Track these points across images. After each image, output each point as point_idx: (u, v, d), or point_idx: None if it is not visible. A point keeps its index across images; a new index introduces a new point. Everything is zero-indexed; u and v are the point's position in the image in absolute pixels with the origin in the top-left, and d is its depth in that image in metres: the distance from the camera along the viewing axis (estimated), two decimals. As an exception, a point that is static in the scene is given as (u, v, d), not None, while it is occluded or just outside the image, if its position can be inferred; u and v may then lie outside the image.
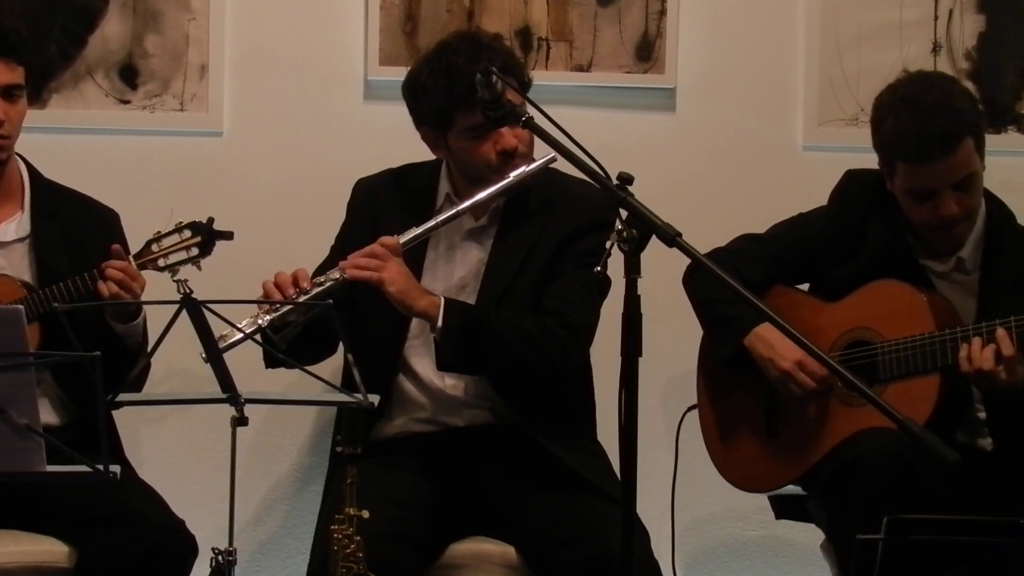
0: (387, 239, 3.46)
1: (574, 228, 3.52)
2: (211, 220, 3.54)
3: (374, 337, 3.55)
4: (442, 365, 3.46)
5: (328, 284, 3.42)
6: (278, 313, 3.37)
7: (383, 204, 3.59)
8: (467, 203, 3.49)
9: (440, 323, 3.40)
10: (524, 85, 3.54)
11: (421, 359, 3.56)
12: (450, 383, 3.56)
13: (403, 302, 3.41)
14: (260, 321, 3.35)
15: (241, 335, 3.25)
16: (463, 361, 3.45)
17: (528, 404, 3.53)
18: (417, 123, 3.59)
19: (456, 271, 3.59)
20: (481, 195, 3.48)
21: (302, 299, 3.38)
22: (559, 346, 3.47)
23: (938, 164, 3.42)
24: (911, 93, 3.50)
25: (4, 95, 3.55)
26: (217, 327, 3.08)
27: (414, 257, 3.55)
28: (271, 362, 3.40)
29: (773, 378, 3.59)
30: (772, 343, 3.55)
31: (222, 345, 3.20)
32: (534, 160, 3.48)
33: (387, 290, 3.40)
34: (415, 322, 3.52)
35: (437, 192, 3.62)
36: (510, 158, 3.47)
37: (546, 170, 3.49)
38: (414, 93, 3.57)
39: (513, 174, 3.45)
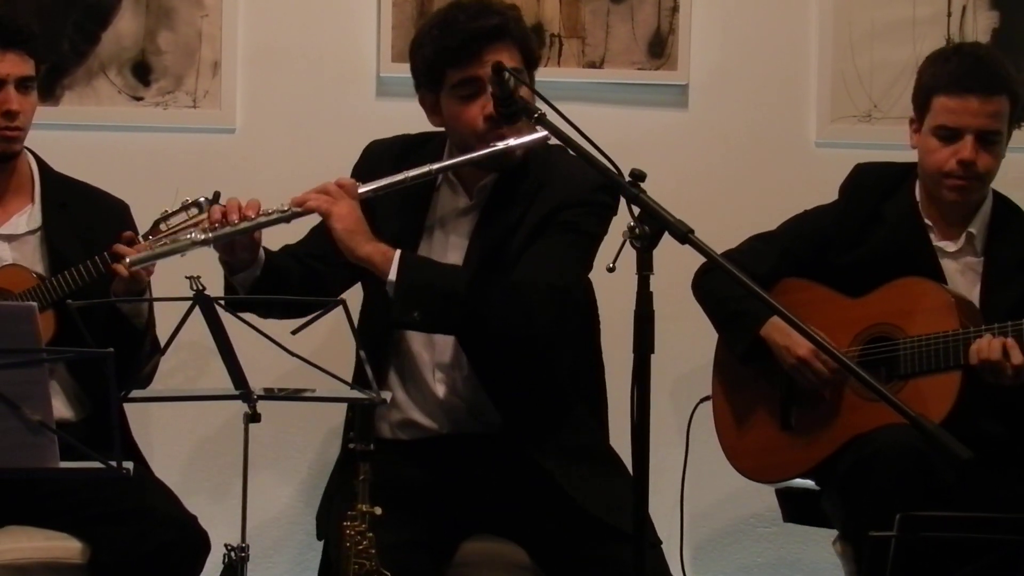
0: (344, 180, 3.38)
1: (558, 203, 3.41)
2: (217, 195, 3.50)
3: (374, 320, 3.48)
4: (397, 321, 3.35)
5: (275, 216, 3.32)
6: (215, 234, 3.28)
7: (384, 171, 3.47)
8: (438, 165, 3.39)
9: (394, 276, 3.30)
10: (532, 59, 3.46)
11: (415, 346, 3.49)
12: (440, 376, 3.49)
13: (346, 242, 3.31)
14: (196, 236, 3.29)
15: (172, 246, 3.27)
16: (420, 318, 3.32)
17: (515, 400, 3.45)
18: (416, 85, 3.50)
19: (448, 249, 3.50)
20: (456, 160, 3.39)
21: (243, 226, 3.29)
22: (523, 308, 3.33)
23: (975, 101, 3.53)
24: (965, 47, 3.79)
25: (18, 87, 3.56)
26: (234, 320, 3.07)
27: (408, 233, 3.47)
28: (234, 305, 3.25)
29: (789, 366, 3.60)
30: (788, 331, 3.56)
31: (155, 252, 3.24)
32: (525, 135, 3.34)
33: (332, 225, 3.31)
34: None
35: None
36: (496, 125, 3.33)
37: (544, 149, 3.39)
38: (412, 48, 3.49)
39: (499, 144, 3.34)
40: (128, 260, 3.33)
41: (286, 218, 3.34)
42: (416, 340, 3.49)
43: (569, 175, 3.42)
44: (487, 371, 3.44)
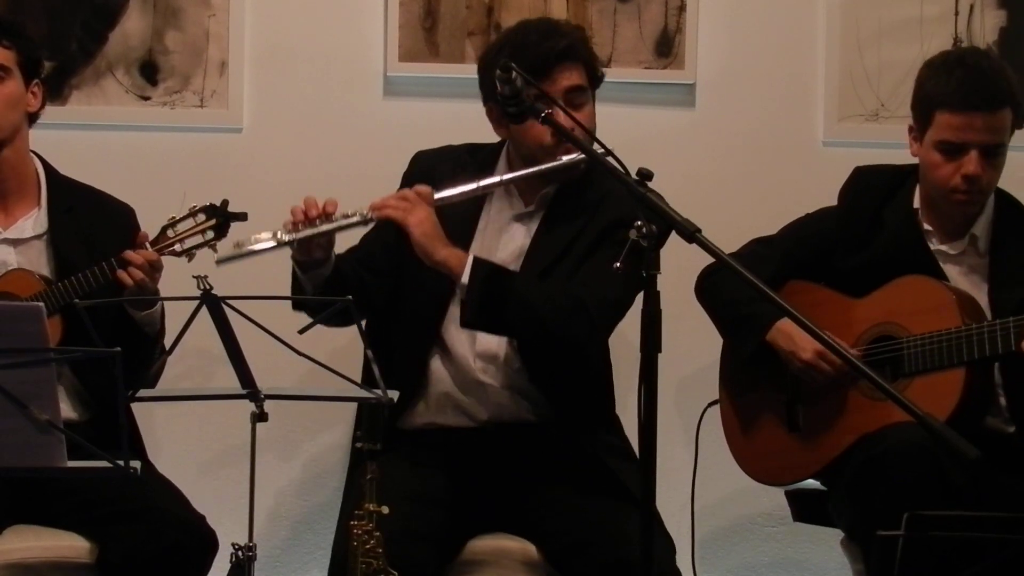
0: (421, 187, 3.46)
1: (617, 218, 3.47)
2: (225, 202, 3.53)
3: (416, 309, 3.56)
4: (465, 322, 3.43)
5: (355, 218, 3.41)
6: (300, 235, 3.37)
7: (441, 177, 3.56)
8: (509, 175, 3.49)
9: (467, 279, 3.39)
10: (595, 79, 3.56)
11: (458, 335, 3.54)
12: (480, 366, 3.55)
13: (424, 247, 3.40)
14: (281, 236, 3.37)
15: (263, 245, 3.34)
16: (487, 319, 3.43)
17: (556, 390, 3.53)
18: (484, 98, 3.58)
19: (499, 251, 3.58)
20: (525, 171, 3.48)
21: (324, 227, 3.39)
22: (586, 317, 3.44)
23: (979, 117, 3.50)
24: (967, 55, 3.67)
25: None
26: (241, 320, 3.08)
27: (461, 234, 3.54)
28: (297, 304, 3.43)
29: (796, 369, 3.60)
30: (793, 335, 3.56)
31: (242, 251, 3.32)
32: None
33: (411, 231, 3.39)
34: (457, 296, 3.48)
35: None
36: (564, 141, 3.42)
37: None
38: (484, 65, 3.57)
39: (565, 158, 3.44)
40: (216, 259, 3.38)
41: (364, 222, 3.44)
42: (459, 333, 3.54)
43: None
44: (538, 368, 3.53)
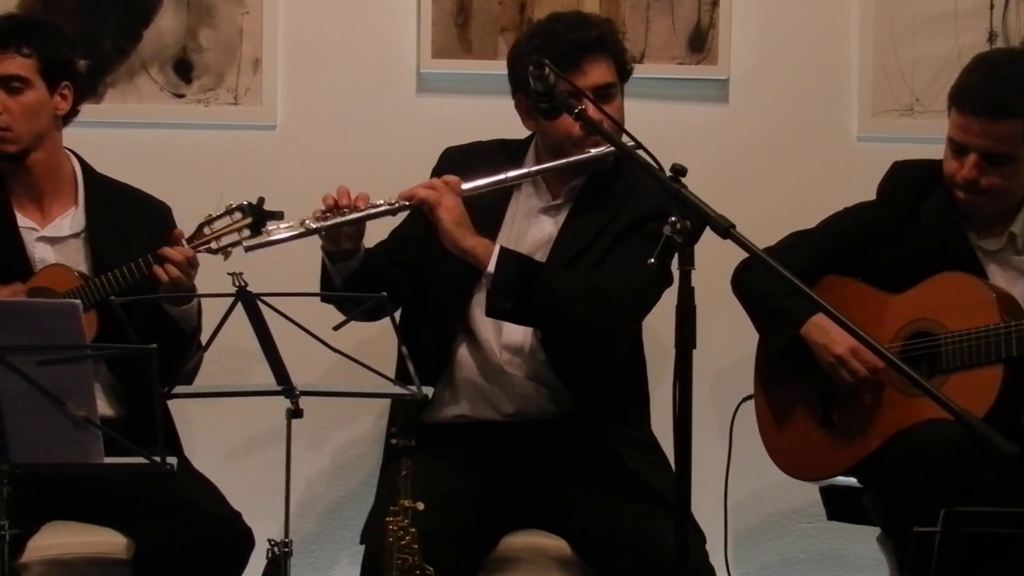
0: (449, 177, 3.46)
1: (645, 211, 3.48)
2: (261, 200, 3.53)
3: (442, 297, 3.57)
4: (490, 311, 3.44)
5: (384, 207, 3.42)
6: (328, 223, 3.38)
7: (470, 173, 3.56)
8: (537, 167, 3.49)
9: (493, 268, 3.39)
10: (624, 72, 3.56)
11: (484, 324, 3.54)
12: (506, 357, 3.55)
13: (452, 235, 3.40)
14: (308, 224, 3.38)
15: (291, 232, 3.36)
16: (512, 309, 3.42)
17: (583, 384, 3.52)
18: (513, 90, 3.59)
19: (526, 243, 3.58)
20: (553, 164, 3.49)
21: (352, 216, 3.39)
22: (611, 309, 3.44)
23: (978, 123, 3.49)
24: (998, 56, 3.64)
25: (4, 87, 3.55)
26: (274, 315, 3.08)
27: (488, 224, 3.54)
28: (326, 296, 3.44)
29: (827, 364, 3.59)
30: (827, 329, 3.55)
31: (270, 237, 3.36)
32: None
33: (439, 216, 3.40)
34: (482, 285, 3.48)
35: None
36: (592, 132, 3.40)
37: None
38: (513, 56, 3.59)
39: (594, 150, 3.44)
40: (244, 245, 3.40)
41: (394, 210, 3.46)
42: (485, 323, 3.54)
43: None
44: (562, 360, 3.53)
